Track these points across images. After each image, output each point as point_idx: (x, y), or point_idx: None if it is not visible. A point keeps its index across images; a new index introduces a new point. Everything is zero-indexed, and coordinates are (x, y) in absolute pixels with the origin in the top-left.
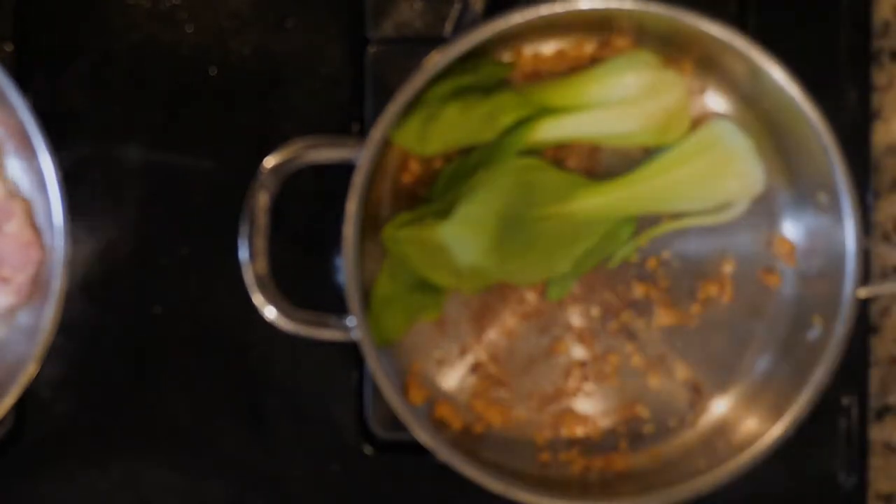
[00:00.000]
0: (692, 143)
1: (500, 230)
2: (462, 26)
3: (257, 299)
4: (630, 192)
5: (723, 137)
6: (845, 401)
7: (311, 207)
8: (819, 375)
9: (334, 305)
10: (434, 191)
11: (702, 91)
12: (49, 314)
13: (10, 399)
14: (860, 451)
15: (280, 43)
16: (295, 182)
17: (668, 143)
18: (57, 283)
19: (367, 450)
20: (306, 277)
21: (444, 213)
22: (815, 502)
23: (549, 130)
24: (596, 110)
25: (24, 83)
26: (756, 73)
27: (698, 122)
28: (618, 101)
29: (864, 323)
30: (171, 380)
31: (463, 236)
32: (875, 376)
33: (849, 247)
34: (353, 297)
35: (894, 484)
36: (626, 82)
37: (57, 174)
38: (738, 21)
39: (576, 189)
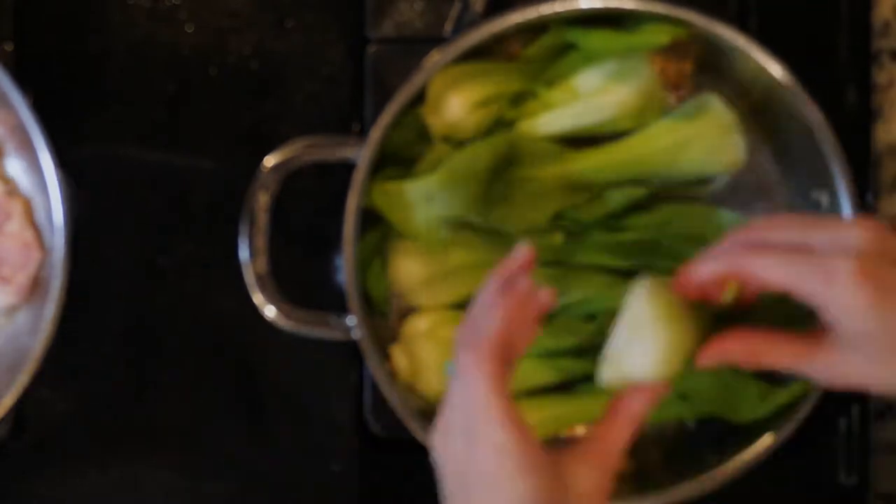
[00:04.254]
0: (677, 114)
1: (485, 184)
2: (462, 26)
3: (257, 299)
4: (613, 160)
5: (707, 111)
6: (846, 400)
7: (311, 207)
8: None
9: (334, 305)
10: None
11: (702, 90)
12: (49, 314)
13: (10, 399)
14: (861, 450)
15: (280, 43)
16: (295, 182)
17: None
18: (57, 283)
19: (367, 449)
20: (306, 277)
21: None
22: (816, 502)
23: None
24: (567, 106)
25: (24, 83)
26: (756, 72)
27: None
28: (587, 92)
29: None
30: (170, 380)
31: (450, 186)
32: None
33: None
34: (353, 297)
35: None
36: (591, 73)
37: (57, 174)
38: (739, 21)
39: (559, 154)
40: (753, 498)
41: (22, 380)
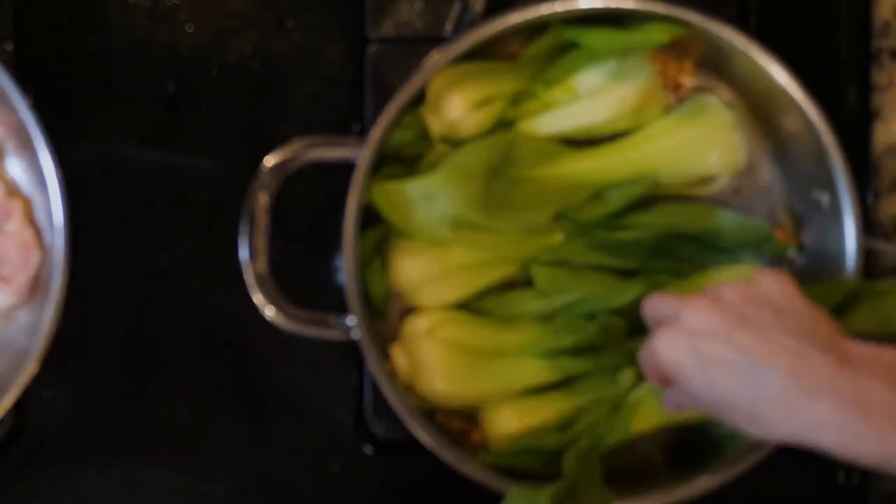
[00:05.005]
0: (677, 114)
1: (485, 183)
2: (462, 26)
3: (257, 299)
4: (613, 160)
5: (707, 111)
6: None
7: (312, 207)
8: None
9: (334, 305)
10: None
11: (702, 90)
12: (49, 314)
13: (10, 399)
14: None
15: (280, 43)
16: (297, 182)
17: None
18: (57, 283)
19: (367, 450)
20: (307, 277)
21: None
22: (816, 502)
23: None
24: (567, 105)
25: (24, 83)
26: (756, 72)
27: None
28: (587, 92)
29: None
30: (171, 380)
31: (450, 185)
32: None
33: (849, 247)
34: (353, 297)
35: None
36: (591, 72)
37: (57, 174)
38: (739, 21)
39: (559, 154)
40: (753, 498)
41: (22, 380)
